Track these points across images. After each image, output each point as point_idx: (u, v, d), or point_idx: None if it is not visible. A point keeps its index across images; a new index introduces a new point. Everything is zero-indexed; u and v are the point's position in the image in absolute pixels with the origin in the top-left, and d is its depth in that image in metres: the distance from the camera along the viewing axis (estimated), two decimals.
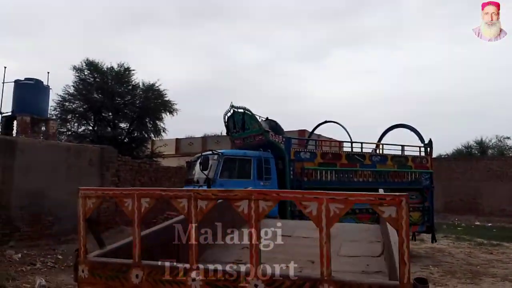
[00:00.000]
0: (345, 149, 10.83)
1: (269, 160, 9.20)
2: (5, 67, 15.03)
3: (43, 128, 15.56)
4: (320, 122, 11.10)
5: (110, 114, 20.28)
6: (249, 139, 9.87)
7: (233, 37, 78.55)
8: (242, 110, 9.59)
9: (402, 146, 10.82)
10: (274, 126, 9.51)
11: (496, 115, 53.75)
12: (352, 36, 76.19)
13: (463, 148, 30.37)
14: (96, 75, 20.49)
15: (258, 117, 9.29)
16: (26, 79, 14.20)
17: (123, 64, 20.94)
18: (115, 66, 21.08)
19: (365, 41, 73.09)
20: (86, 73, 20.44)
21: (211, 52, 72.95)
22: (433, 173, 11.10)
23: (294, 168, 9.29)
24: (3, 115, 14.74)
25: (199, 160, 8.97)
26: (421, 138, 11.19)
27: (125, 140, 19.55)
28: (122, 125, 20.88)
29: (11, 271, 7.05)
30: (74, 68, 20.33)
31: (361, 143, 10.41)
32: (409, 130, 11.43)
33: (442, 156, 28.40)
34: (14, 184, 9.12)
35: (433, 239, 10.87)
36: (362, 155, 10.24)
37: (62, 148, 10.69)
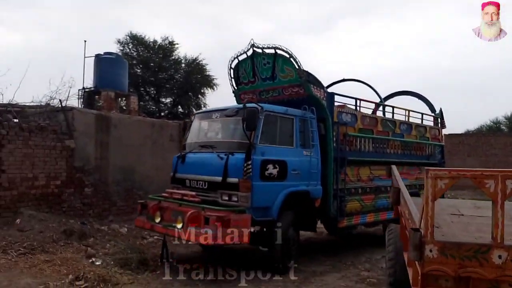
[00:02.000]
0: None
1: (313, 121, 6.84)
2: (85, 41, 15.11)
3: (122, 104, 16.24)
4: (337, 80, 9.07)
5: (153, 89, 20.13)
6: (271, 93, 7.31)
7: (239, 7, 69.70)
8: (271, 51, 6.92)
9: (422, 113, 9.52)
10: (309, 77, 7.08)
11: (507, 90, 53.98)
12: (358, 6, 73.19)
13: (491, 123, 31.16)
14: (140, 49, 20.91)
15: (295, 62, 6.75)
16: (106, 53, 14.09)
17: (167, 37, 21.04)
18: (159, 40, 21.08)
19: (371, 12, 70.49)
20: (130, 46, 20.80)
21: (216, 23, 63.25)
22: (444, 147, 10.16)
23: (338, 134, 7.14)
24: (87, 89, 14.56)
25: (232, 116, 6.14)
26: (431, 108, 10.07)
27: (168, 116, 18.82)
28: (165, 100, 20.83)
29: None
30: (118, 41, 20.92)
31: (393, 107, 8.73)
32: (416, 99, 10.23)
33: (470, 132, 28.45)
34: (110, 160, 9.43)
35: None
36: (393, 122, 8.59)
37: (147, 123, 10.72)
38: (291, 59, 6.73)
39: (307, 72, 6.85)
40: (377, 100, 9.38)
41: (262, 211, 6.04)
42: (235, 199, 5.87)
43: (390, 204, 8.21)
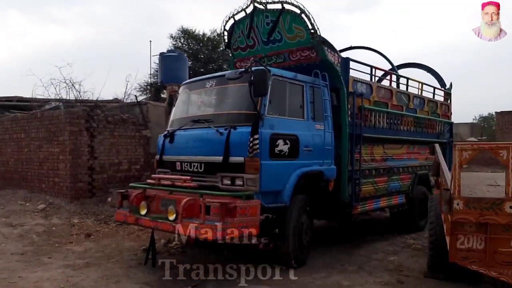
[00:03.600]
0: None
1: (325, 90, 5.81)
2: (150, 41, 18.02)
3: None
4: (344, 48, 8.00)
5: None
6: (275, 59, 6.22)
7: None
8: (277, 6, 5.80)
9: (434, 87, 8.64)
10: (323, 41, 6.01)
11: None
12: None
13: None
14: (190, 42, 22.50)
15: (307, 19, 5.65)
16: (169, 51, 14.85)
17: (215, 29, 22.13)
18: (207, 33, 22.80)
19: None
20: (182, 41, 22.50)
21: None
22: (453, 124, 9.37)
23: (353, 107, 6.14)
24: (155, 85, 16.61)
25: (234, 79, 4.96)
26: (441, 82, 9.24)
27: None
28: None
29: None
30: (171, 36, 22.92)
31: (407, 78, 7.78)
32: (426, 72, 9.37)
33: None
34: None
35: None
36: (407, 95, 7.66)
37: None
38: (303, 15, 5.63)
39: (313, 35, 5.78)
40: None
41: (272, 196, 5.01)
42: (240, 182, 4.80)
43: (401, 187, 7.44)
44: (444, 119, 8.93)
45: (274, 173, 4.96)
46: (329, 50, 5.84)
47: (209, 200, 4.51)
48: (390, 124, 7.05)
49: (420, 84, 8.07)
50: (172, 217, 4.69)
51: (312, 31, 5.68)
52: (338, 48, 6.43)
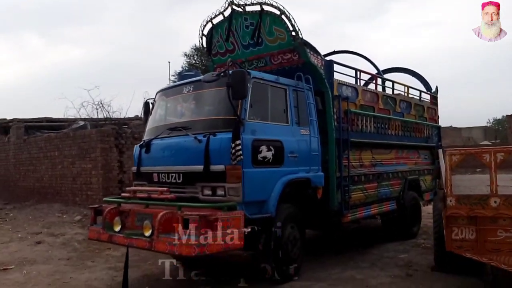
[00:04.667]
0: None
1: (309, 93, 5.54)
2: (169, 62, 17.40)
3: None
4: (328, 52, 7.79)
5: None
6: (256, 63, 5.95)
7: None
8: (256, 8, 5.55)
9: (420, 91, 8.48)
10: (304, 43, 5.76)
11: None
12: None
13: None
14: (203, 60, 21.91)
15: (288, 21, 5.40)
16: (186, 71, 14.62)
17: None
18: None
19: None
20: (195, 58, 23.37)
21: None
22: (440, 128, 9.22)
23: (339, 111, 5.88)
24: None
25: (211, 82, 4.64)
26: (427, 86, 9.10)
27: None
28: None
29: None
30: (185, 54, 24.57)
31: (393, 82, 7.59)
32: (411, 76, 9.23)
33: None
34: None
35: None
36: (393, 98, 7.46)
37: None
38: (283, 16, 5.37)
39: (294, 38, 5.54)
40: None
41: (256, 206, 4.69)
42: (221, 192, 4.46)
43: (392, 193, 7.19)
44: (432, 122, 8.78)
45: (257, 181, 4.65)
46: (311, 53, 5.60)
47: (188, 213, 4.16)
48: (377, 128, 6.83)
49: (406, 88, 7.91)
50: (148, 233, 4.31)
51: (293, 33, 5.43)
52: (322, 53, 6.23)
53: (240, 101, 4.54)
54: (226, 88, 4.41)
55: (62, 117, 14.04)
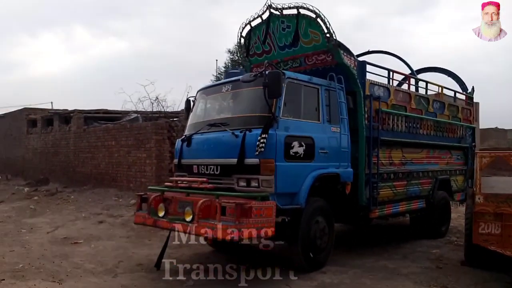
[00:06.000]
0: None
1: (341, 93, 5.84)
2: (216, 60, 18.18)
3: None
4: (362, 52, 8.04)
5: None
6: (291, 64, 6.29)
7: None
8: (293, 12, 5.90)
9: (455, 91, 8.52)
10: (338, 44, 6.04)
11: None
12: None
13: None
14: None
15: (323, 23, 5.72)
16: (233, 68, 14.60)
17: None
18: None
19: None
20: (238, 55, 22.98)
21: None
22: (475, 129, 9.20)
23: (370, 110, 6.14)
24: None
25: (249, 82, 5.07)
26: (463, 86, 9.07)
27: None
28: None
29: None
30: (229, 51, 24.83)
31: (426, 82, 7.73)
32: (447, 76, 9.25)
33: None
34: None
35: None
36: (426, 99, 7.58)
37: None
38: (318, 19, 5.61)
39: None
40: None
41: (287, 198, 5.00)
42: (255, 184, 4.82)
43: (421, 192, 7.34)
44: (466, 123, 8.76)
45: (289, 174, 4.95)
46: (345, 54, 5.85)
47: (225, 201, 4.56)
48: (408, 128, 6.95)
49: (440, 88, 7.98)
50: (188, 218, 4.75)
51: (328, 35, 5.67)
52: (355, 53, 6.48)
53: (274, 99, 4.92)
54: (263, 87, 4.78)
55: (118, 109, 15.05)
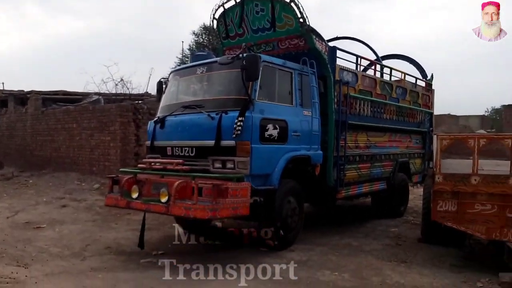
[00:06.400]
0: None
1: (313, 77, 5.99)
2: (182, 42, 17.70)
3: None
4: (330, 38, 8.19)
5: None
6: (264, 47, 6.35)
7: None
8: None
9: (416, 78, 8.93)
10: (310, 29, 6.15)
11: None
12: None
13: None
14: (211, 39, 23.15)
15: (296, 8, 5.80)
16: (199, 51, 14.45)
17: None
18: None
19: None
20: (203, 37, 24.08)
21: None
22: (433, 114, 9.72)
23: (340, 95, 6.34)
24: None
25: (226, 64, 5.08)
26: (423, 73, 9.52)
27: None
28: None
29: None
30: (193, 33, 24.91)
31: (391, 68, 8.04)
32: (408, 63, 9.66)
33: None
34: None
35: None
36: (390, 84, 7.91)
37: None
38: (292, 4, 5.69)
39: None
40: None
41: (261, 179, 5.12)
42: (231, 165, 4.90)
43: (383, 174, 7.73)
44: (425, 109, 9.23)
45: (264, 156, 5.06)
46: (317, 39, 5.98)
47: (202, 182, 4.63)
48: (373, 112, 7.24)
49: (403, 75, 8.35)
50: (164, 199, 4.76)
51: (301, 20, 5.78)
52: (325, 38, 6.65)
53: (251, 82, 4.99)
54: (240, 70, 4.81)
55: (79, 91, 14.61)
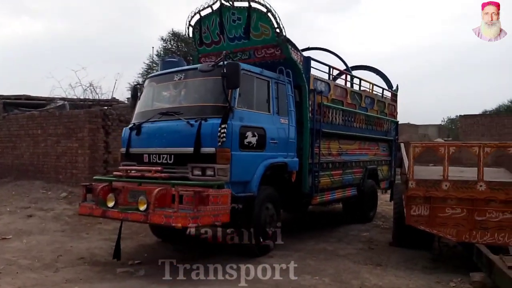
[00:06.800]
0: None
1: (289, 86, 6.09)
2: (152, 47, 18.58)
3: None
4: (302, 49, 8.31)
5: None
6: (240, 56, 6.38)
7: None
8: (244, 4, 5.99)
9: (383, 88, 9.29)
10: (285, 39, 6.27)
11: None
12: None
13: (509, 103, 31.08)
14: (180, 45, 23.58)
15: (273, 18, 5.91)
16: (169, 57, 14.34)
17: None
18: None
19: None
20: (171, 43, 24.13)
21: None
22: (398, 124, 10.11)
23: (314, 103, 6.48)
24: None
25: (207, 71, 5.05)
26: (388, 83, 9.93)
27: None
28: None
29: None
30: (162, 39, 24.60)
31: (360, 79, 8.31)
32: (374, 74, 10.03)
33: (488, 112, 28.49)
34: None
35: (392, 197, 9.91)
36: (360, 94, 8.18)
37: None
38: (269, 14, 5.78)
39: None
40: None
41: (241, 186, 5.13)
42: (211, 172, 4.88)
43: (354, 180, 7.95)
44: (391, 118, 9.61)
45: (243, 163, 5.07)
46: (292, 49, 6.10)
47: (182, 190, 4.58)
48: (345, 121, 7.45)
49: (371, 85, 8.68)
50: (143, 207, 4.65)
51: (278, 30, 5.89)
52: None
53: (231, 90, 5.02)
54: (221, 78, 4.83)
55: (43, 96, 13.90)
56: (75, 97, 12.77)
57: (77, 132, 10.32)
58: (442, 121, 44.91)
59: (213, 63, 5.16)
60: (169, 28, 43.12)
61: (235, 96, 5.05)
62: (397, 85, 9.97)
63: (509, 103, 31.70)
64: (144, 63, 23.94)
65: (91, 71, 30.89)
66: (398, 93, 9.98)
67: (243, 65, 5.36)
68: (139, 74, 23.61)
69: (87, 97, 12.68)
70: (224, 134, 4.81)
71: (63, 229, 7.21)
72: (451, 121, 44.70)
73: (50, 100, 13.41)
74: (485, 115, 27.21)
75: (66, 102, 12.84)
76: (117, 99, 14.07)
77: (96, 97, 12.78)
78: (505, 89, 71.25)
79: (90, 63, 30.46)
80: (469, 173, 5.66)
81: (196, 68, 5.31)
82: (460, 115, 26.95)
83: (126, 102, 14.03)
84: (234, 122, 4.98)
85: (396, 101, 9.88)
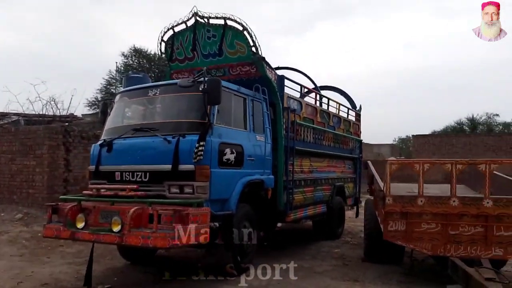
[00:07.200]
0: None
1: (264, 104, 6.08)
2: (116, 62, 19.11)
3: None
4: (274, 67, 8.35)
5: None
6: (214, 73, 6.31)
7: (213, 7, 61.40)
8: (220, 22, 5.97)
9: (348, 108, 9.55)
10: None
11: (485, 91, 58.70)
12: (338, 8, 72.21)
13: (455, 124, 32.38)
14: (141, 61, 23.56)
15: (249, 36, 5.92)
16: (133, 73, 14.05)
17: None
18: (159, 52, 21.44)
19: (351, 13, 70.15)
20: (132, 59, 23.77)
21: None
22: (362, 142, 10.39)
23: (288, 121, 6.51)
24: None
25: (187, 87, 4.90)
26: (352, 103, 10.23)
27: None
28: None
29: None
30: (123, 54, 24.31)
31: (328, 98, 8.48)
32: (339, 94, 10.32)
33: (436, 132, 29.68)
34: None
35: (358, 214, 10.11)
36: (328, 113, 8.34)
37: None
38: (245, 32, 5.81)
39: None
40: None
41: (219, 204, 4.99)
42: (190, 190, 4.71)
43: (324, 197, 8.03)
44: (355, 137, 9.88)
45: (222, 181, 4.96)
46: (267, 67, 6.14)
47: (161, 209, 4.39)
48: (315, 139, 7.55)
49: (338, 105, 8.90)
50: (117, 228, 4.39)
51: (254, 48, 5.92)
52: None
53: (210, 106, 4.93)
54: (202, 93, 4.74)
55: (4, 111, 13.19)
56: (33, 112, 12.19)
57: (35, 149, 9.73)
58: (393, 140, 46.92)
59: (192, 78, 5.06)
60: (128, 44, 42.65)
61: (214, 112, 4.97)
62: (360, 105, 10.31)
63: (455, 124, 33.84)
64: (103, 78, 23.29)
65: (49, 86, 29.66)
66: (361, 113, 10.30)
67: (222, 82, 5.30)
68: (97, 89, 22.95)
69: (46, 113, 12.03)
70: (202, 152, 4.69)
71: (21, 253, 6.69)
72: (402, 140, 46.86)
73: (4, 115, 12.74)
74: (435, 135, 28.92)
75: (20, 118, 12.23)
76: (76, 115, 13.49)
77: (57, 113, 12.19)
78: (451, 111, 76.97)
79: (45, 78, 29.24)
80: (432, 190, 5.87)
81: (174, 84, 5.18)
82: (413, 135, 28.42)
83: (82, 118, 13.56)
84: (213, 138, 4.88)
85: (359, 121, 10.19)
